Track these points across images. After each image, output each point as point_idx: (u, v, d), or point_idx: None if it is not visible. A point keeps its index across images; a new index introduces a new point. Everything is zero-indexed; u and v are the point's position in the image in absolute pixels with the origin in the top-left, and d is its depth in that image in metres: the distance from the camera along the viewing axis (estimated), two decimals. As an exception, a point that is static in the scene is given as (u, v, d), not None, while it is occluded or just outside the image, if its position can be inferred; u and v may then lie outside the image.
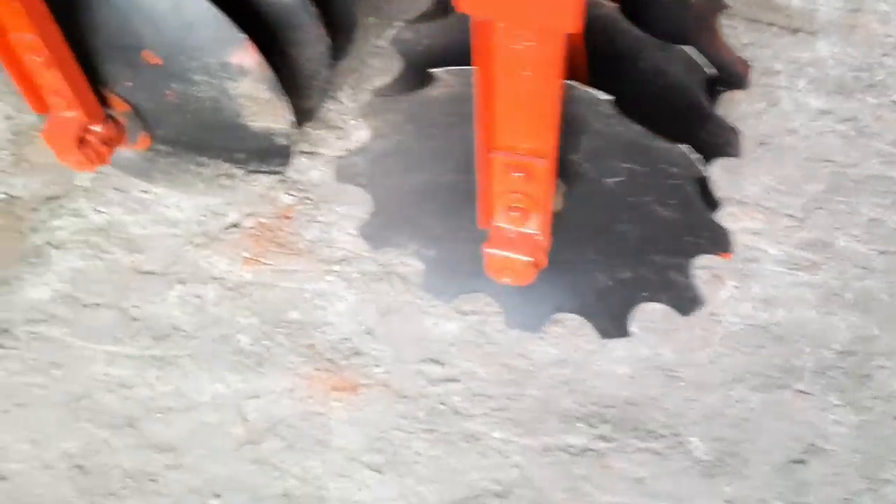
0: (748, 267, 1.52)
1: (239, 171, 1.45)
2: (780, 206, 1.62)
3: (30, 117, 1.77)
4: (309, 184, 1.67)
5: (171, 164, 1.45)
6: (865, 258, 1.55)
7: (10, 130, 1.76)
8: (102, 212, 1.63)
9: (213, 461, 1.35)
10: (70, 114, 1.27)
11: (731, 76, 1.25)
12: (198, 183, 1.49)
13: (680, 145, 1.04)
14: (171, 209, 1.63)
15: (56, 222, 1.62)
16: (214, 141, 1.38)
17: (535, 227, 1.14)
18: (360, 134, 1.75)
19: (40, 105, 1.27)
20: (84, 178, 1.68)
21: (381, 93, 1.24)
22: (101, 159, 1.32)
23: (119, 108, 1.32)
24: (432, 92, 1.10)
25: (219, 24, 1.20)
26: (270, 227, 1.61)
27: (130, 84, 1.29)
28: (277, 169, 1.43)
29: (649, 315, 1.40)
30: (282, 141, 1.37)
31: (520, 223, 1.13)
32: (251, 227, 1.61)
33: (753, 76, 1.39)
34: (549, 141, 0.97)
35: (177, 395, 1.40)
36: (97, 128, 1.29)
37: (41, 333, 1.47)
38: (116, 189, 1.66)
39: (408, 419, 1.39)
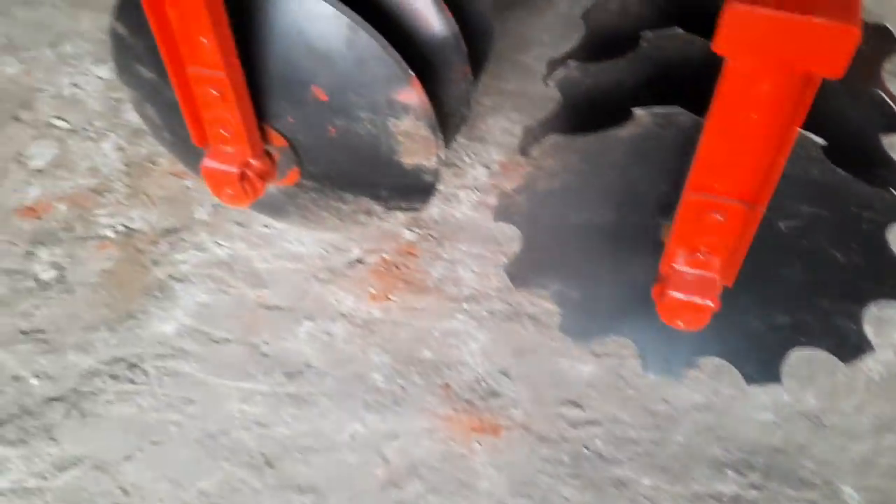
0: (885, 313, 1.51)
1: (378, 208, 1.43)
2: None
3: (142, 149, 1.77)
4: (430, 221, 1.66)
5: (312, 199, 1.44)
6: None
7: (122, 162, 1.75)
8: (224, 245, 1.62)
9: (357, 503, 1.31)
10: (230, 148, 1.26)
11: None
12: (333, 219, 1.48)
13: (883, 191, 1.04)
14: (294, 244, 1.62)
15: (178, 256, 1.60)
16: (363, 177, 1.37)
17: (717, 271, 1.12)
18: (477, 171, 1.75)
19: (202, 138, 1.26)
20: (204, 211, 1.66)
21: (547, 130, 1.23)
22: (256, 194, 1.31)
23: (276, 144, 1.31)
24: (623, 131, 1.09)
25: (390, 61, 1.20)
26: (395, 264, 1.60)
27: (293, 120, 1.28)
28: (417, 206, 1.42)
29: (789, 360, 1.38)
30: (429, 178, 1.36)
31: (704, 266, 1.11)
32: (375, 264, 1.60)
33: None
34: (765, 186, 0.96)
35: (315, 435, 1.37)
36: (254, 162, 1.28)
37: (172, 369, 1.44)
38: (237, 223, 1.65)
39: (552, 463, 1.36)
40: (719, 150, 0.93)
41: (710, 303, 1.13)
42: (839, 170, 1.03)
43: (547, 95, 1.37)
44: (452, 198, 1.70)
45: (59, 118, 1.82)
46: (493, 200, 1.67)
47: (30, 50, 1.95)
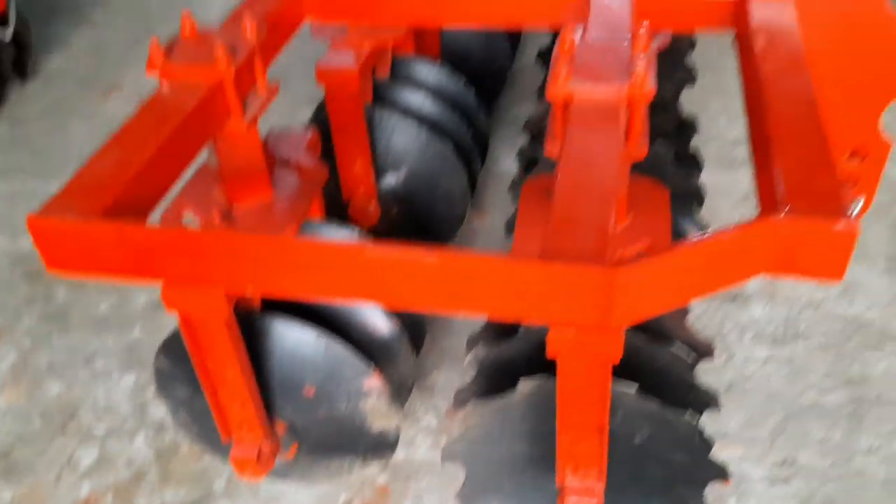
0: (741, 487, 2.02)
1: (357, 463, 1.93)
2: (753, 435, 2.15)
3: (167, 438, 2.25)
4: (397, 464, 2.15)
5: (307, 463, 1.93)
6: (822, 470, 2.06)
7: (152, 452, 2.23)
8: (241, 508, 2.08)
9: None
10: (249, 439, 1.77)
11: (702, 352, 1.84)
12: (324, 475, 1.97)
13: (689, 419, 1.59)
14: (295, 496, 2.08)
15: (205, 522, 2.05)
16: (344, 443, 1.88)
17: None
18: (429, 417, 2.27)
19: (227, 434, 1.77)
20: (222, 481, 2.13)
21: (468, 395, 1.78)
22: (268, 469, 1.80)
23: (280, 429, 1.83)
24: (514, 396, 1.64)
25: (356, 361, 1.76)
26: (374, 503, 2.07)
27: (292, 410, 1.82)
28: (386, 457, 1.93)
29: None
30: (392, 437, 1.88)
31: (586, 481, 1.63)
32: (359, 505, 2.07)
33: (710, 336, 1.97)
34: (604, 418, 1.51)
35: None
36: (266, 446, 1.79)
37: None
38: (250, 488, 2.11)
39: None
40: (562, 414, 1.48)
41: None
42: (657, 405, 1.59)
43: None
44: (411, 443, 2.21)
45: (97, 422, 2.31)
46: (443, 441, 2.18)
47: (68, 370, 2.47)
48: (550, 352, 1.38)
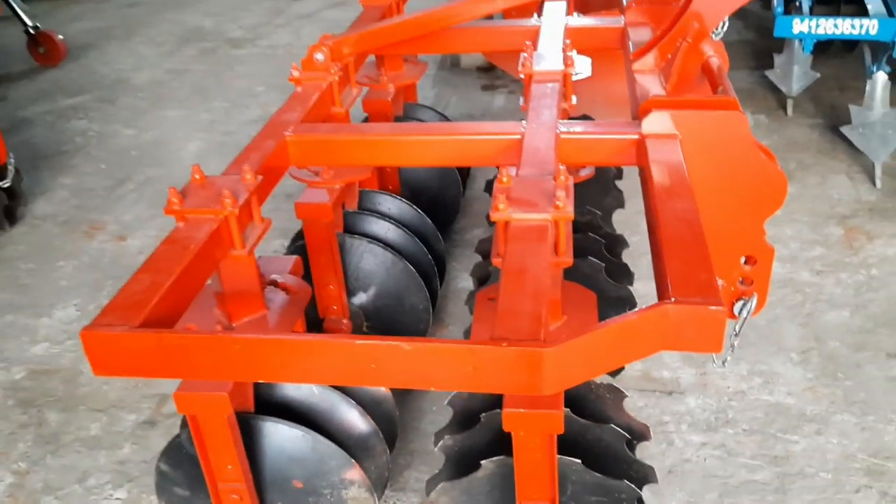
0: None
1: (343, 551, 2.14)
2: (693, 511, 2.42)
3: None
4: (376, 556, 2.35)
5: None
6: (756, 536, 2.32)
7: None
8: None
9: None
10: (245, 533, 1.98)
11: (639, 435, 2.13)
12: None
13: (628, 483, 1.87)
14: None
15: None
16: (330, 531, 2.10)
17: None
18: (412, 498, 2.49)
19: (226, 527, 1.98)
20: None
21: (439, 479, 2.03)
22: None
23: (272, 522, 2.05)
24: (478, 474, 1.91)
25: (340, 455, 2.01)
26: (357, 593, 2.25)
27: (281, 503, 2.04)
28: (367, 544, 2.14)
29: None
30: (372, 524, 2.11)
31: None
32: None
33: (651, 427, 2.26)
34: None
35: None
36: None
37: None
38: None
39: None
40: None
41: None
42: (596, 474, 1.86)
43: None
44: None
45: (92, 535, 2.48)
46: (417, 532, 2.40)
47: (63, 488, 2.65)
48: (506, 426, 1.67)
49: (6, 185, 3.66)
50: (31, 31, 6.30)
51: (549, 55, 2.52)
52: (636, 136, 2.00)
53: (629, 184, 3.20)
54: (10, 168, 3.57)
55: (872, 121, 3.97)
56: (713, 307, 1.37)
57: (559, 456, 1.78)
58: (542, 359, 1.33)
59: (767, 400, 2.79)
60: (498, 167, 1.91)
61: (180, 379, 1.50)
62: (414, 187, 3.37)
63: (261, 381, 1.98)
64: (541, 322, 1.38)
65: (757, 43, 5.84)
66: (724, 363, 2.21)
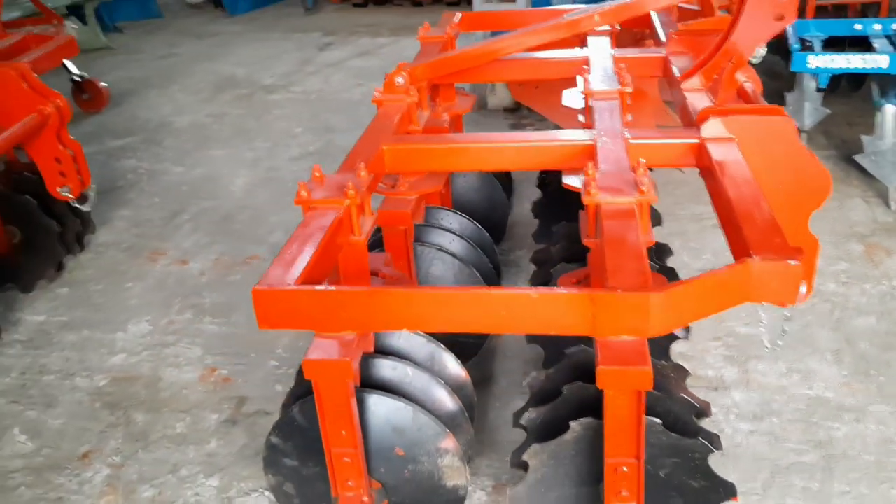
0: (744, 522, 2.47)
1: (432, 519, 2.34)
2: (747, 488, 2.62)
3: None
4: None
5: (394, 519, 2.34)
6: (809, 507, 2.53)
7: (243, 537, 2.58)
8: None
9: None
10: (352, 493, 2.19)
11: (701, 411, 2.36)
12: (405, 531, 2.36)
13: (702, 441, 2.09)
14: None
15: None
16: (425, 498, 2.30)
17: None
18: (477, 495, 2.68)
19: (335, 489, 2.19)
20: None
21: (528, 443, 2.24)
22: (370, 518, 2.21)
23: (374, 486, 2.25)
24: (567, 436, 2.13)
25: (436, 426, 2.23)
26: (444, 562, 2.44)
27: (384, 470, 2.25)
28: (457, 511, 2.35)
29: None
30: (462, 492, 2.31)
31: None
32: (431, 565, 2.43)
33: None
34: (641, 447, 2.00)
35: None
36: (365, 500, 2.21)
37: None
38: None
39: None
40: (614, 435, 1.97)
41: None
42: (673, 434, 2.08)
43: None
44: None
45: (191, 519, 2.67)
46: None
47: (157, 478, 2.84)
48: (600, 383, 1.90)
49: (87, 210, 3.91)
50: (77, 80, 6.64)
51: (604, 77, 2.82)
52: (696, 141, 2.28)
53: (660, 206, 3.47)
54: (92, 194, 3.84)
55: (884, 149, 4.27)
56: (791, 262, 1.63)
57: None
58: (648, 303, 1.58)
59: (807, 393, 3.01)
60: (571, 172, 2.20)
61: (336, 332, 1.76)
62: (465, 209, 3.65)
63: (366, 361, 2.22)
64: (646, 275, 1.64)
65: (768, 84, 6.17)
66: (775, 346, 2.45)
